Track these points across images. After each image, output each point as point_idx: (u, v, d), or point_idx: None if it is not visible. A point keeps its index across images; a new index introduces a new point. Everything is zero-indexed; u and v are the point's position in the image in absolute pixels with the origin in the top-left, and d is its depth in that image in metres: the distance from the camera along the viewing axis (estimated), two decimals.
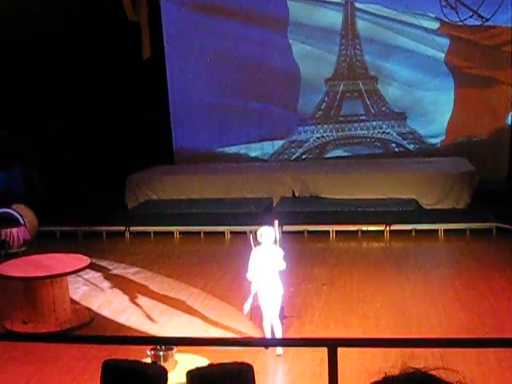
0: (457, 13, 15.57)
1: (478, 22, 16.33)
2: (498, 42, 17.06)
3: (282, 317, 8.64)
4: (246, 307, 8.20)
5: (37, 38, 15.48)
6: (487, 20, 15.96)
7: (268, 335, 8.20)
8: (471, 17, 15.89)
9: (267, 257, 8.14)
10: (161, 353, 6.34)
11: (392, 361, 6.00)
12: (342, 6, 17.75)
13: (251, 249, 8.31)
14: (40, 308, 9.42)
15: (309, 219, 14.33)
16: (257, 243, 8.27)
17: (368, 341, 6.86)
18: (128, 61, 16.79)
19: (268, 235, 8.20)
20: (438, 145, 17.68)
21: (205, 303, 10.14)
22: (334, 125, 18.11)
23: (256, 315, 8.88)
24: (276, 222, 8.69)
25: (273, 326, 8.19)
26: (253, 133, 18.22)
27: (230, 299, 10.04)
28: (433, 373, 1.58)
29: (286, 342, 7.37)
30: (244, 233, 13.73)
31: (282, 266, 8.21)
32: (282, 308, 8.57)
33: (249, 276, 8.21)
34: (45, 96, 15.97)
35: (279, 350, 8.03)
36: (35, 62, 15.63)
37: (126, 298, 10.57)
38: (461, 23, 15.70)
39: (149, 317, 9.67)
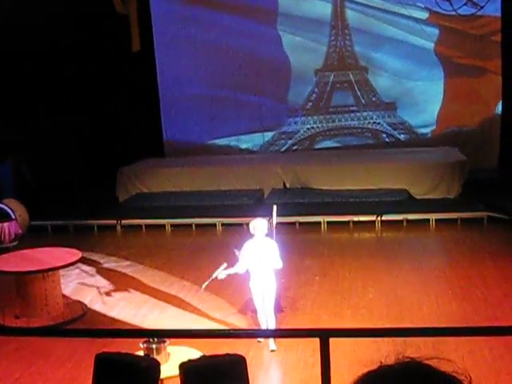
0: (451, 3, 15.58)
1: (470, 11, 16.32)
2: (487, 32, 17.07)
3: (279, 309, 8.63)
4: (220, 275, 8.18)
5: (27, 33, 15.41)
6: (482, 7, 15.97)
7: (264, 328, 8.19)
8: (465, 5, 15.90)
9: (260, 250, 8.10)
10: (153, 345, 6.34)
11: (384, 350, 6.02)
12: None
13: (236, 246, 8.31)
14: (32, 302, 9.41)
15: (300, 210, 14.33)
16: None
17: (359, 331, 6.87)
18: (117, 54, 16.75)
19: (260, 228, 8.15)
20: (429, 135, 17.70)
21: (197, 296, 10.13)
22: (324, 116, 18.10)
23: (247, 307, 8.89)
24: (275, 208, 8.89)
25: (267, 319, 8.16)
26: (243, 124, 18.20)
27: (223, 291, 10.04)
28: (428, 362, 1.58)
29: (278, 333, 7.39)
30: (236, 225, 13.74)
31: (279, 264, 8.12)
32: (277, 300, 8.56)
33: (238, 269, 8.17)
34: (34, 90, 15.91)
35: (272, 345, 8.01)
36: (24, 56, 15.55)
37: (118, 291, 10.57)
38: (453, 12, 15.70)
39: (141, 310, 9.67)
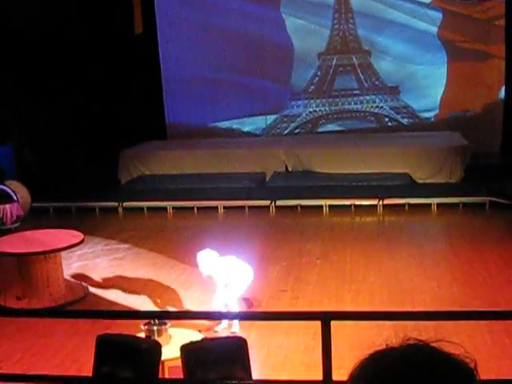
0: None
1: None
2: (491, 16, 16.99)
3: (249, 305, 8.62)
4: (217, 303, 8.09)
5: (28, 15, 15.35)
6: None
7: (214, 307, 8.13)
8: None
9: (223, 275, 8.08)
10: (155, 327, 6.35)
11: (385, 334, 6.03)
12: None
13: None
14: (34, 284, 9.42)
15: (302, 193, 14.32)
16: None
17: (361, 314, 6.90)
18: (120, 36, 16.69)
19: (206, 260, 8.11)
20: (432, 119, 17.65)
21: (198, 278, 10.14)
22: (326, 99, 18.05)
23: (247, 291, 8.90)
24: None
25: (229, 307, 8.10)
26: (245, 107, 18.15)
27: None
28: (433, 345, 1.56)
29: (279, 316, 7.40)
30: (237, 207, 13.74)
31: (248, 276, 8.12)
32: (248, 300, 8.56)
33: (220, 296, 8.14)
34: (36, 72, 15.87)
35: (235, 327, 7.98)
36: (25, 37, 15.51)
37: (119, 273, 10.58)
38: None
39: (142, 292, 9.69)
